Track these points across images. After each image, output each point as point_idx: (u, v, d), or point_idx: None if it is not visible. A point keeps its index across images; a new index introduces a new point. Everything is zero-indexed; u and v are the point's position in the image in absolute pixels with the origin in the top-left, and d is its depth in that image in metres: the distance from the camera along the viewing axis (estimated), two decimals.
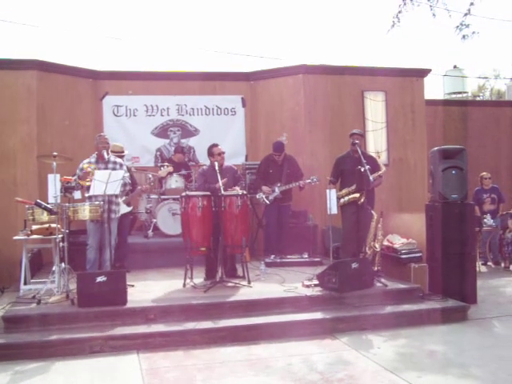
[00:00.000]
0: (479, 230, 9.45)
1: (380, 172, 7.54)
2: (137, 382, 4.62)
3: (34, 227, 7.09)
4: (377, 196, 7.89)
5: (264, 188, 8.72)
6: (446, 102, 13.69)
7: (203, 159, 10.04)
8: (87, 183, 6.72)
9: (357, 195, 7.35)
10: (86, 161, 7.14)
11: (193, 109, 10.44)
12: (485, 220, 9.83)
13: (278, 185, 8.71)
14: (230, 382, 4.58)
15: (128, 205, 7.90)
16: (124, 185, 7.06)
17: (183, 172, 9.34)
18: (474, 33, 9.69)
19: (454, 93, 17.55)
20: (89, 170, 6.83)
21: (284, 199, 8.81)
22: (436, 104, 12.51)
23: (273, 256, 8.38)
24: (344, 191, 7.63)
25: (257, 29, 48.34)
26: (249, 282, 6.85)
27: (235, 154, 10.25)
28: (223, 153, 7.48)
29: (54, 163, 6.51)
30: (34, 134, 8.98)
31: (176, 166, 9.40)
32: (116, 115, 10.14)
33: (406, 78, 10.67)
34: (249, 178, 9.48)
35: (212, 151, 7.48)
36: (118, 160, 7.33)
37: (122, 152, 8.24)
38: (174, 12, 43.55)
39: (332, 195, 7.49)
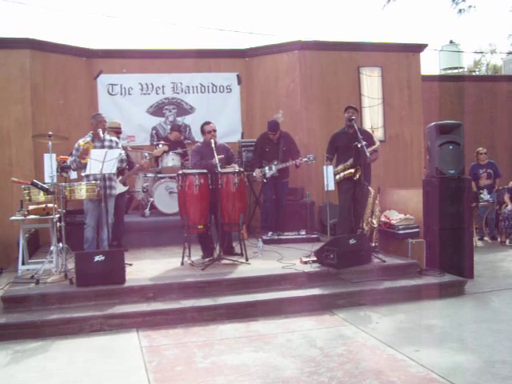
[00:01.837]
0: (476, 205, 9.47)
1: (374, 147, 7.51)
2: (137, 360, 4.64)
3: (31, 207, 7.07)
4: (374, 172, 7.88)
5: (256, 171, 8.73)
6: (442, 78, 13.64)
7: (199, 137, 9.96)
8: (88, 160, 6.68)
9: (352, 170, 7.34)
10: (81, 140, 7.09)
11: (188, 87, 10.38)
12: (481, 195, 9.84)
13: (275, 163, 8.70)
14: (230, 359, 4.60)
15: (124, 184, 7.88)
16: (121, 161, 7.04)
17: (179, 150, 9.30)
18: (470, 7, 9.67)
19: (450, 68, 17.47)
20: (86, 146, 6.79)
21: (281, 176, 8.81)
22: (432, 79, 12.46)
23: (270, 233, 8.40)
24: (340, 167, 7.62)
25: (251, 5, 47.90)
26: (246, 260, 6.87)
27: (231, 132, 10.23)
28: (215, 130, 7.43)
29: (50, 143, 6.47)
30: (28, 113, 8.92)
31: (172, 144, 9.36)
32: (111, 94, 10.08)
33: (402, 54, 10.62)
34: (245, 155, 9.47)
35: (204, 129, 7.44)
36: (114, 138, 7.30)
37: (119, 129, 8.21)
38: None
39: (329, 172, 7.49)
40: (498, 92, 12.77)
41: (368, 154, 6.99)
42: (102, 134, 7.04)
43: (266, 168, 8.72)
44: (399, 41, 13.12)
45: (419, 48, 10.79)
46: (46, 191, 6.46)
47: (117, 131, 8.03)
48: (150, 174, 9.17)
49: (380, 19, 47.27)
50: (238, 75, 10.53)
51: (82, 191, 6.61)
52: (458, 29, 43.27)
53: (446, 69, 17.56)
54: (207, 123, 7.46)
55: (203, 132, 7.44)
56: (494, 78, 17.23)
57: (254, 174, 8.78)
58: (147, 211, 8.91)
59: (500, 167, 10.57)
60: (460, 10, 9.54)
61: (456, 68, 17.53)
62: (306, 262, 6.68)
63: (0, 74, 8.85)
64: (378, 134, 10.03)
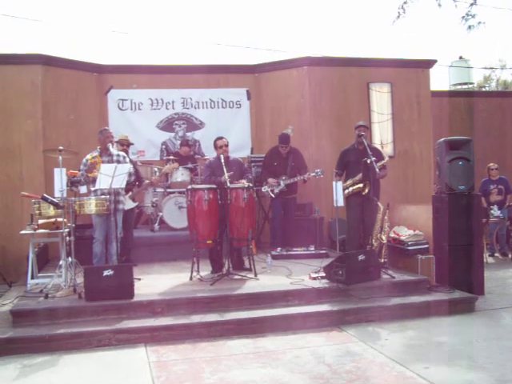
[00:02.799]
0: (486, 221, 9.41)
1: (383, 162, 7.50)
2: (145, 375, 4.63)
3: (41, 221, 7.09)
4: (383, 188, 7.86)
5: (270, 180, 8.72)
6: (451, 93, 13.61)
7: (209, 152, 10.04)
8: (96, 174, 6.71)
9: (360, 185, 7.33)
10: (88, 155, 7.11)
11: (198, 102, 10.43)
12: (492, 211, 9.79)
13: (283, 178, 8.71)
14: (238, 375, 4.58)
15: (133, 200, 7.89)
16: (129, 175, 7.07)
17: (189, 165, 9.33)
18: (479, 23, 9.69)
19: (460, 84, 17.41)
20: (93, 160, 6.83)
21: (289, 192, 8.80)
22: (442, 95, 12.46)
23: (279, 248, 8.38)
24: (348, 182, 7.63)
25: (261, 21, 48.18)
26: (255, 275, 6.85)
27: (240, 147, 10.25)
28: (226, 145, 7.43)
29: (60, 157, 6.51)
30: (39, 128, 8.99)
31: (183, 159, 9.40)
32: (121, 109, 10.14)
33: (412, 69, 10.64)
34: (254, 170, 9.48)
35: (215, 144, 7.48)
36: (122, 153, 7.33)
37: (126, 140, 8.24)
38: (177, 5, 43.49)
39: (338, 187, 7.48)
40: (508, 107, 12.75)
41: (377, 169, 6.99)
42: (111, 149, 7.09)
43: (281, 181, 8.70)
44: (409, 57, 13.15)
45: (429, 64, 10.80)
46: (56, 205, 6.49)
47: (122, 143, 8.04)
48: (159, 189, 9.19)
49: (389, 35, 47.36)
50: (247, 91, 10.57)
51: (91, 206, 6.63)
52: (468, 45, 43.22)
53: (455, 84, 17.50)
54: (219, 138, 7.50)
55: (215, 147, 7.49)
56: (504, 93, 17.19)
57: (263, 189, 8.78)
58: (156, 226, 8.91)
59: (511, 183, 10.52)
60: (469, 26, 9.57)
61: (466, 84, 17.47)
62: (314, 278, 6.65)
63: (12, 90, 8.93)
64: (388, 150, 10.02)
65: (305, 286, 6.37)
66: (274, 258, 7.90)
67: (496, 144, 12.31)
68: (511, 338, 5.37)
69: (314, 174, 8.58)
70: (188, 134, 10.39)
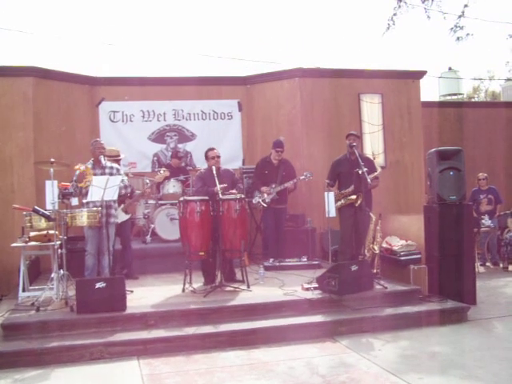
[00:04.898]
0: (477, 230, 9.45)
1: (376, 173, 7.53)
2: None
3: (32, 234, 7.05)
4: (375, 198, 7.88)
5: (263, 188, 8.71)
6: (441, 104, 13.73)
7: (200, 164, 10.03)
8: (86, 184, 6.67)
9: (353, 197, 7.35)
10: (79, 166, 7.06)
11: (189, 113, 10.44)
12: (482, 221, 9.84)
13: (273, 186, 8.69)
14: None
15: (126, 212, 7.86)
16: (125, 187, 7.05)
17: (181, 177, 9.31)
18: (468, 34, 9.82)
19: (450, 94, 17.60)
20: (82, 168, 6.78)
21: (280, 201, 8.79)
22: (432, 106, 12.55)
23: (271, 260, 8.36)
24: (341, 193, 7.63)
25: (252, 33, 48.37)
26: (248, 286, 6.83)
27: (232, 158, 10.25)
28: (218, 156, 7.41)
29: (52, 169, 6.48)
30: (30, 140, 8.96)
31: (174, 171, 9.37)
32: (112, 121, 10.13)
33: (402, 80, 10.71)
34: (246, 181, 9.48)
35: (207, 155, 7.48)
36: (115, 165, 7.31)
37: (118, 156, 8.20)
38: (169, 17, 43.59)
39: (330, 198, 7.49)
40: (497, 118, 12.85)
41: (369, 180, 7.00)
42: (103, 161, 7.07)
43: (271, 189, 8.70)
44: (399, 68, 13.23)
45: (419, 75, 10.88)
46: (48, 218, 6.45)
47: (116, 159, 8.02)
48: (151, 201, 9.17)
49: (380, 46, 47.65)
50: (238, 102, 10.60)
51: (83, 218, 6.60)
52: (457, 56, 43.58)
53: (445, 95, 17.68)
54: (211, 149, 7.49)
55: (207, 158, 7.48)
56: (493, 104, 17.33)
57: (254, 201, 8.77)
58: (148, 238, 8.89)
59: (500, 192, 10.58)
60: (458, 38, 9.70)
61: (455, 94, 17.66)
62: (307, 289, 6.64)
63: (3, 102, 8.91)
64: (379, 160, 10.04)
65: (298, 297, 6.37)
66: (267, 269, 7.89)
67: (485, 154, 12.40)
68: (504, 348, 5.38)
69: (303, 177, 8.60)
70: (180, 145, 10.39)
